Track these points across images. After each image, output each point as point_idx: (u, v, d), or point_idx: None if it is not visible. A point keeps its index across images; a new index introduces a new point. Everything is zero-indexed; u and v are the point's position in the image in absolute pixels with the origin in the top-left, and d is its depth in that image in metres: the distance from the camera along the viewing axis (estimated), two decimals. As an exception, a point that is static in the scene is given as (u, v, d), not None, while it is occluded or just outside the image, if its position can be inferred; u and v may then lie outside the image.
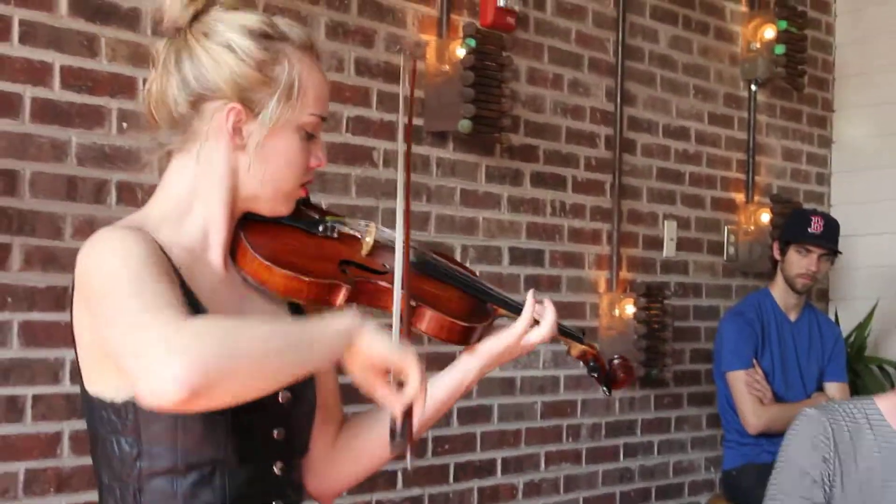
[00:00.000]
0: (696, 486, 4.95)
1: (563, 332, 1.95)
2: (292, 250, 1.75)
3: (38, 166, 2.96)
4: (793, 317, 4.69)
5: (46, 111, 2.98)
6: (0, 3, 2.90)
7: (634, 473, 4.69)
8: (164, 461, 1.60)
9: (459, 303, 1.85)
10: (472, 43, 3.88)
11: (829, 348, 4.75)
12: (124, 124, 3.10)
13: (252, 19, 1.70)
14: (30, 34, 2.95)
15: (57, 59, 3.00)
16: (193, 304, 1.60)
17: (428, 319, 1.78)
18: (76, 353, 1.66)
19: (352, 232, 1.83)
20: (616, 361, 2.03)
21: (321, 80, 1.74)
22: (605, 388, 2.04)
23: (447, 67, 3.88)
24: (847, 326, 5.19)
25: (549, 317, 1.86)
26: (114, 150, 3.08)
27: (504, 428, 4.17)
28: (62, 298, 2.92)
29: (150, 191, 1.78)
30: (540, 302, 1.87)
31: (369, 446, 1.89)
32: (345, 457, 1.90)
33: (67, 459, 2.98)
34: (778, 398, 4.49)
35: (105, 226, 1.65)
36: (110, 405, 1.61)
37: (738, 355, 4.51)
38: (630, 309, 4.48)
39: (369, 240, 1.81)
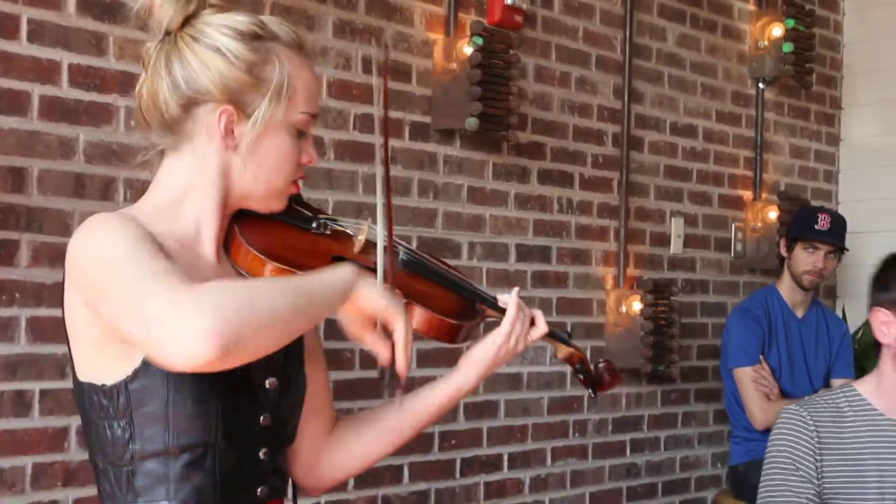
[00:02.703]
0: (703, 482, 4.96)
1: (550, 335, 1.99)
2: (286, 245, 1.77)
3: (45, 164, 2.99)
4: (800, 313, 4.71)
5: (54, 109, 3.01)
6: (8, 1, 2.93)
7: (641, 469, 4.71)
8: (156, 443, 1.63)
9: (449, 302, 1.88)
10: (480, 41, 3.90)
11: (837, 345, 4.76)
12: (132, 122, 3.12)
13: (241, 21, 1.71)
14: (38, 33, 2.98)
15: (65, 58, 3.03)
16: None
17: (417, 317, 1.80)
18: (67, 342, 1.68)
19: (344, 230, 1.85)
20: (601, 365, 2.10)
21: (311, 78, 1.76)
22: (591, 391, 2.10)
23: (454, 65, 3.89)
24: (854, 323, 5.19)
25: (539, 318, 1.94)
26: (121, 147, 3.11)
27: (511, 423, 4.20)
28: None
29: (156, 189, 1.80)
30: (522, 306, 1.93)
31: (367, 443, 1.93)
32: (341, 452, 1.93)
33: (74, 453, 3.00)
34: (785, 394, 4.50)
35: None
36: (101, 389, 1.63)
37: (745, 351, 4.52)
38: (637, 305, 4.50)
39: (361, 238, 1.84)
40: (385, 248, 1.71)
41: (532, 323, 1.94)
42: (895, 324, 2.73)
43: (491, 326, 1.93)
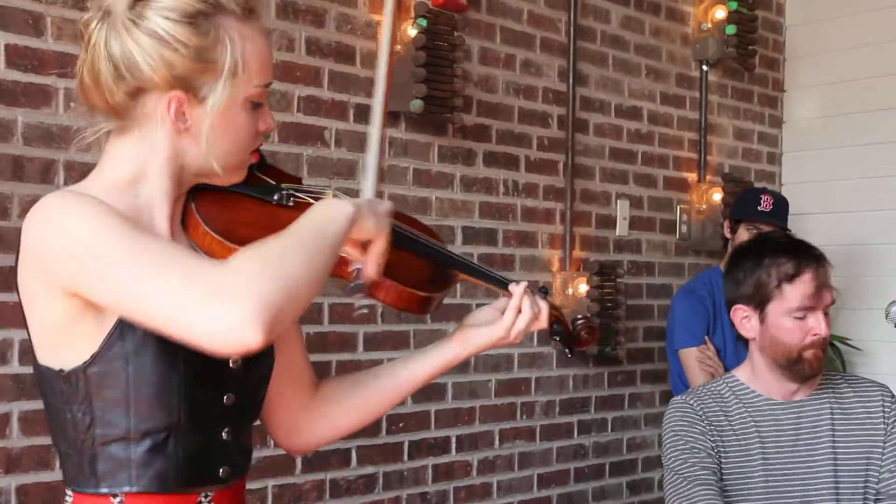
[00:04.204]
0: (650, 463, 4.99)
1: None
2: (245, 221, 1.72)
3: (-16, 146, 2.94)
4: (744, 294, 4.74)
5: (-8, 90, 2.96)
6: (-57, -19, 2.88)
7: (588, 450, 4.73)
8: (117, 429, 1.60)
9: (419, 271, 1.86)
10: (424, 23, 3.89)
11: (780, 324, 4.79)
12: (71, 104, 3.08)
13: (184, 0, 1.61)
14: (-26, 13, 2.93)
15: (2, 38, 2.98)
16: None
17: (387, 290, 1.79)
18: (26, 325, 1.64)
19: (308, 200, 1.79)
20: (580, 322, 2.10)
21: (263, 45, 1.68)
22: (567, 349, 2.11)
23: (398, 47, 3.88)
24: (798, 303, 5.23)
25: (527, 303, 1.92)
26: (61, 129, 3.07)
27: (458, 406, 4.19)
28: (10, 279, 2.89)
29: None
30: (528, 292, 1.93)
31: (347, 410, 1.94)
32: (320, 418, 1.93)
33: (17, 440, 2.97)
34: (729, 375, 4.53)
35: None
36: (59, 374, 1.61)
37: (690, 332, 4.54)
38: (583, 287, 4.51)
39: None
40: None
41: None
42: (755, 316, 2.83)
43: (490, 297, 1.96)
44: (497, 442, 4.35)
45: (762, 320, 2.82)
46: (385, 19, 1.91)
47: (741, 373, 2.95)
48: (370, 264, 1.71)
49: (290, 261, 1.46)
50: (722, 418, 2.83)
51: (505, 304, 1.93)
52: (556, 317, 2.02)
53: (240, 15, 1.65)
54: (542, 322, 1.94)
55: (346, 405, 1.93)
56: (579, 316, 2.14)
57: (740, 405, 2.85)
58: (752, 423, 2.83)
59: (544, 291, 2.02)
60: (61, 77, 3.07)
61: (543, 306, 1.94)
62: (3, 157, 2.97)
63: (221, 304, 1.39)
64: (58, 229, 1.51)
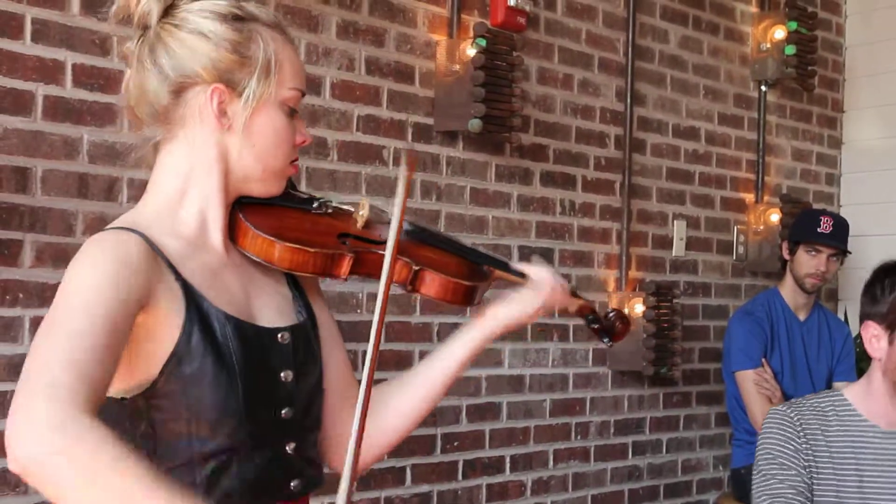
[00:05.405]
0: (705, 485, 4.96)
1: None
2: (292, 226, 1.77)
3: (49, 164, 2.98)
4: (802, 316, 4.70)
5: (58, 109, 3.00)
6: (13, 1, 2.92)
7: (643, 471, 4.71)
8: (179, 456, 1.61)
9: (458, 266, 1.91)
10: (483, 42, 3.90)
11: (839, 348, 4.75)
12: (135, 122, 3.12)
13: (220, 4, 1.72)
14: (42, 32, 2.97)
15: (69, 58, 3.02)
16: (189, 294, 1.61)
17: (430, 281, 1.83)
18: None
19: (345, 208, 1.87)
20: (611, 314, 2.17)
21: (294, 54, 1.77)
22: (606, 339, 2.17)
23: (457, 67, 3.89)
24: (856, 326, 5.10)
25: (552, 282, 1.97)
26: (125, 147, 3.10)
27: (513, 426, 4.19)
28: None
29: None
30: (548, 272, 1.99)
31: (405, 405, 1.92)
32: (382, 420, 1.90)
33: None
34: (787, 397, 4.49)
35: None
36: (120, 402, 1.62)
37: (747, 354, 4.51)
38: (639, 308, 4.49)
39: (363, 213, 1.85)
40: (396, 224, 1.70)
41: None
42: (885, 337, 2.70)
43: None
44: (551, 462, 4.34)
45: (893, 342, 2.69)
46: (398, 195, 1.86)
47: (852, 391, 2.82)
48: None
49: (99, 485, 1.38)
50: (819, 436, 2.73)
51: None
52: (589, 309, 2.12)
53: (271, 25, 1.75)
54: (564, 298, 1.99)
55: (394, 411, 1.91)
56: (610, 310, 2.20)
57: (841, 427, 2.74)
58: (850, 448, 2.72)
59: (574, 288, 2.09)
60: (126, 96, 3.10)
61: (565, 284, 1.99)
62: (69, 174, 3.02)
63: (23, 430, 1.38)
64: (71, 271, 1.56)
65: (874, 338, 2.72)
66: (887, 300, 2.70)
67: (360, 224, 1.85)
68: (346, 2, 3.69)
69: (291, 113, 1.75)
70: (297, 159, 1.80)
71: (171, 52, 1.69)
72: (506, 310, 1.95)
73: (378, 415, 1.90)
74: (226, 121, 1.70)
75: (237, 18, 1.71)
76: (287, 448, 1.71)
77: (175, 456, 1.61)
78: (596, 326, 2.15)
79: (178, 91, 1.69)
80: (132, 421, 1.62)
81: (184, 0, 1.72)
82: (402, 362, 3.74)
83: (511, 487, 4.19)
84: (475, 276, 1.93)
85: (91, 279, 1.53)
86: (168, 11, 1.71)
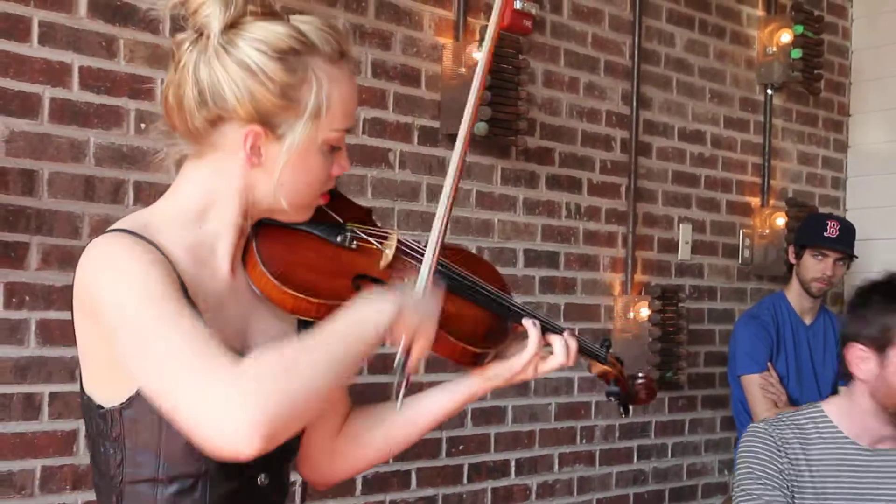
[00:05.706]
0: (710, 489, 4.95)
1: (584, 351, 1.92)
2: (304, 264, 1.69)
3: (56, 166, 2.98)
4: (808, 320, 4.70)
5: (65, 111, 3.00)
6: (20, 4, 2.93)
7: (648, 475, 4.70)
8: (146, 470, 1.59)
9: (477, 323, 1.80)
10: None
11: (845, 352, 4.74)
12: (142, 125, 3.12)
13: (278, 34, 1.58)
14: (49, 35, 2.98)
15: (76, 60, 3.02)
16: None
17: (439, 342, 1.70)
18: (79, 354, 1.63)
19: (371, 243, 1.75)
20: (640, 381, 2.02)
21: (350, 92, 1.65)
22: (622, 409, 2.02)
23: (463, 70, 3.89)
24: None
25: (562, 348, 1.84)
26: (131, 150, 3.11)
27: (518, 429, 4.19)
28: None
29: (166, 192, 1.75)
30: (558, 332, 1.86)
31: (371, 447, 1.90)
32: (352, 448, 1.89)
33: (84, 457, 3.00)
34: (793, 401, 4.49)
35: None
36: (97, 409, 1.60)
37: (753, 358, 4.51)
38: (645, 312, 4.49)
39: (389, 252, 1.74)
40: (430, 267, 1.67)
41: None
42: (873, 359, 2.64)
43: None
44: (556, 466, 4.33)
45: (882, 365, 2.62)
46: (483, 54, 1.86)
47: (831, 407, 2.77)
48: (413, 360, 1.65)
49: (308, 374, 1.43)
50: (799, 454, 2.70)
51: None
52: (615, 375, 1.97)
53: (332, 57, 1.62)
54: (567, 359, 1.85)
55: (371, 443, 1.89)
56: (640, 374, 2.04)
57: (822, 444, 2.71)
58: (832, 467, 2.70)
59: (608, 345, 1.96)
60: (132, 98, 3.11)
61: (572, 344, 1.85)
62: (75, 177, 3.02)
63: (226, 411, 1.38)
64: (108, 283, 1.51)
65: (860, 360, 2.66)
66: (877, 322, 2.64)
67: (383, 264, 1.74)
68: (353, 5, 3.69)
69: (333, 149, 1.65)
70: (332, 187, 1.72)
71: (213, 75, 1.57)
72: (499, 368, 1.84)
73: (343, 450, 1.89)
74: (257, 160, 1.61)
75: (293, 52, 1.58)
76: (258, 479, 1.68)
77: (140, 471, 1.59)
78: (614, 397, 1.98)
79: (215, 121, 1.60)
80: (105, 429, 1.60)
81: (248, 17, 1.59)
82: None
83: (516, 491, 4.18)
84: (493, 336, 1.81)
85: (136, 276, 1.50)
86: (230, 26, 1.58)
